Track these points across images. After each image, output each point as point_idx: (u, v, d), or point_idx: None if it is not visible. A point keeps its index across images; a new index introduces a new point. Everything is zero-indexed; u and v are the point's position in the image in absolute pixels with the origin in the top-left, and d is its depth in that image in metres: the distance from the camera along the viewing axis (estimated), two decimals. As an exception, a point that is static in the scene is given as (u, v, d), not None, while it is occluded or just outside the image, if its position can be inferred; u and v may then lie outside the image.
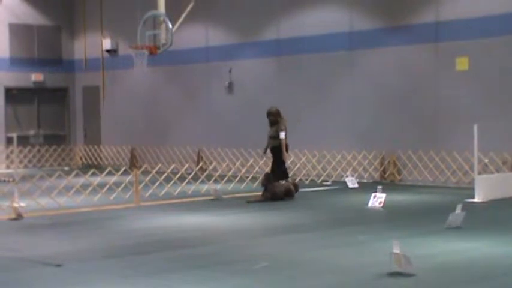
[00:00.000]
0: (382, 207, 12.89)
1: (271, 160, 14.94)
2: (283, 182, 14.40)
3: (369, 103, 17.95)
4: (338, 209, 13.14)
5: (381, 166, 17.68)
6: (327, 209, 13.26)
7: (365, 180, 17.50)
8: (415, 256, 7.78)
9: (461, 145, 15.98)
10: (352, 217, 12.09)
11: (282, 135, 14.44)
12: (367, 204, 13.10)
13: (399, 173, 17.47)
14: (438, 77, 16.79)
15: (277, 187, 14.13)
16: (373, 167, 17.75)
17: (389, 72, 17.57)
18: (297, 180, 17.15)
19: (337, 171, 17.84)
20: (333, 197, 14.91)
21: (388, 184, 16.60)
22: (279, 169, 14.58)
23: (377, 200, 13.06)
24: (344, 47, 18.39)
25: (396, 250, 7.59)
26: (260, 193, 14.18)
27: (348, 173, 17.10)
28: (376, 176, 17.70)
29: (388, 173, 17.53)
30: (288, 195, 14.24)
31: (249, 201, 13.95)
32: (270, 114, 14.82)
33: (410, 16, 17.25)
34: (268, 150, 14.87)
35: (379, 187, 13.30)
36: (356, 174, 17.29)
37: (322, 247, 9.38)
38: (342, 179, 17.09)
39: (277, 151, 14.60)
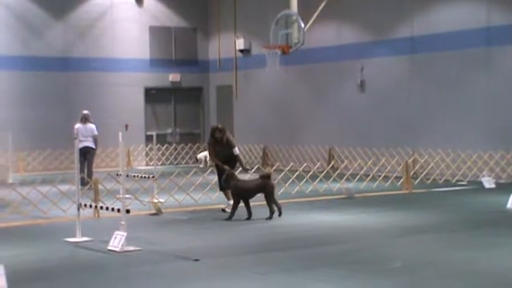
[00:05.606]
0: (522, 209, 12.42)
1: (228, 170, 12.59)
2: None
3: (507, 101, 17.29)
4: (474, 210, 12.76)
5: (520, 166, 17.01)
6: (462, 209, 12.91)
7: (503, 181, 16.88)
8: (559, 261, 7.47)
9: None
10: (490, 218, 11.72)
11: (237, 150, 13.02)
12: (506, 205, 12.66)
13: (540, 173, 16.72)
14: None
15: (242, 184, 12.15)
16: (511, 167, 17.09)
17: (530, 68, 16.85)
18: (430, 181, 16.83)
19: (473, 171, 17.31)
20: (469, 197, 14.50)
21: (528, 185, 15.94)
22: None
23: (516, 201, 12.59)
24: (481, 44, 17.80)
25: (539, 254, 7.31)
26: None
27: (484, 172, 16.56)
28: (515, 176, 17.04)
29: (528, 174, 16.84)
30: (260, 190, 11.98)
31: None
32: (220, 131, 12.91)
33: (553, 9, 16.47)
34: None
35: (519, 188, 12.82)
36: (493, 175, 16.72)
37: (459, 248, 9.17)
38: (478, 179, 16.59)
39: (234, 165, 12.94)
